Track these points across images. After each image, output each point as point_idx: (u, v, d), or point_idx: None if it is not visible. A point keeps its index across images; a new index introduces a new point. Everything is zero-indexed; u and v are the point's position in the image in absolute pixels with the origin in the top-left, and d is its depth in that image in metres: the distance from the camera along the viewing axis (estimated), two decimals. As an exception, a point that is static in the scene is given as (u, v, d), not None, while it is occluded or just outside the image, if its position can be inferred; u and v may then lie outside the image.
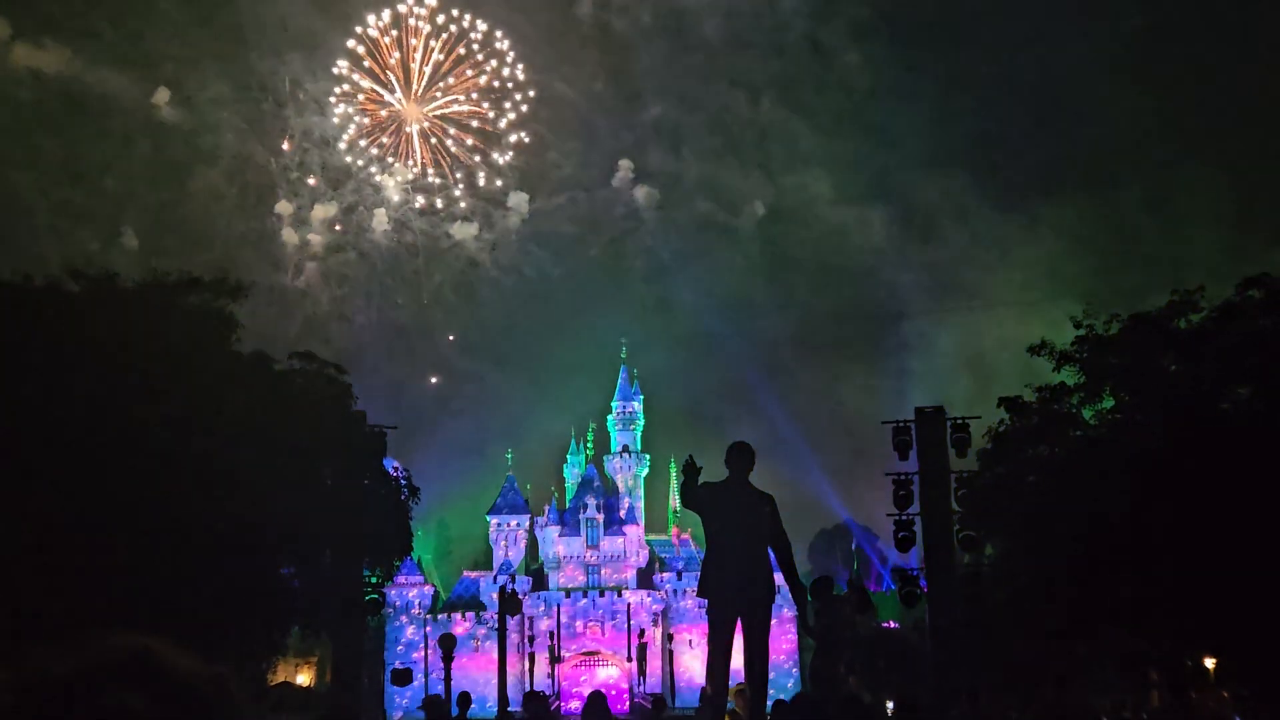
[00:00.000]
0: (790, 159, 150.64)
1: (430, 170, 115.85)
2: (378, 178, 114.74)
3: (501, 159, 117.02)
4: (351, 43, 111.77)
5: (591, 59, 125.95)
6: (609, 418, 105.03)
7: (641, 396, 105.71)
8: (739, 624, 10.73)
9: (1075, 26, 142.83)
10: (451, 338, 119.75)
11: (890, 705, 31.86)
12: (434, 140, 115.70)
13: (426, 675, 78.47)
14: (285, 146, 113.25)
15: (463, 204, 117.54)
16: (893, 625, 67.45)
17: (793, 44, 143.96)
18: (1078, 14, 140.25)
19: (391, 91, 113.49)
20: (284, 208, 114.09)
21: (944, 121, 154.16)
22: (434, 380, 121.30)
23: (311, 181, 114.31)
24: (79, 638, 1.01)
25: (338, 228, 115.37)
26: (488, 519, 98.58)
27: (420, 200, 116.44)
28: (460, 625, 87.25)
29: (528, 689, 67.88)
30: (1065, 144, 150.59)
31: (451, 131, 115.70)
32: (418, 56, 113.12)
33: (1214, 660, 30.63)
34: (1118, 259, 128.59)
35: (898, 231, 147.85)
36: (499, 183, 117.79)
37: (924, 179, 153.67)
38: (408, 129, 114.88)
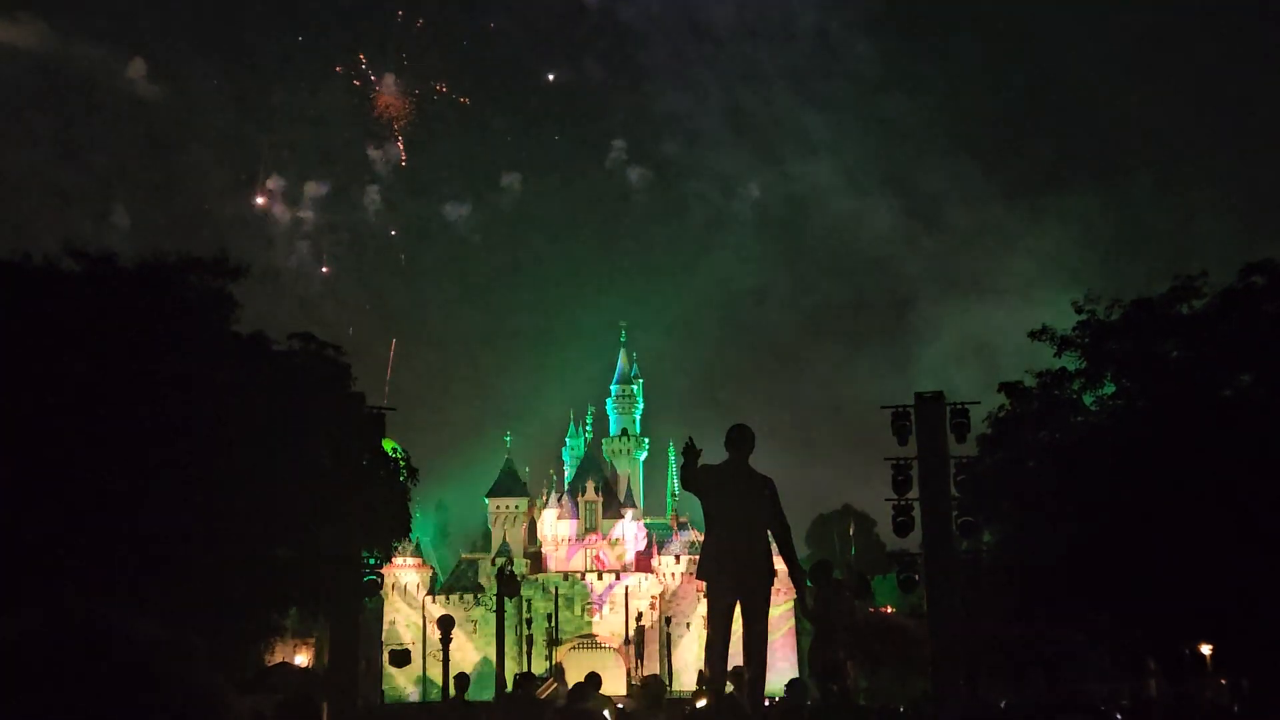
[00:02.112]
0: (798, 147, 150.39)
1: (402, 147, 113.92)
2: (370, 155, 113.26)
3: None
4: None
5: (599, 46, 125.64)
6: (608, 400, 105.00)
7: (641, 380, 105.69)
8: (738, 607, 10.68)
9: (1084, 18, 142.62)
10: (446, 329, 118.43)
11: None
12: (410, 120, 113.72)
13: (425, 657, 78.55)
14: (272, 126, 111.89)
15: (453, 184, 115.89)
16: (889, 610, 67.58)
17: (802, 34, 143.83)
18: (1087, 6, 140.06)
19: (376, 68, 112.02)
20: (273, 183, 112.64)
21: (952, 112, 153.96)
22: (429, 361, 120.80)
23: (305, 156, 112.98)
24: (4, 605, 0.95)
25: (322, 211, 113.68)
26: (486, 501, 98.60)
27: (402, 181, 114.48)
28: (458, 607, 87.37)
29: (524, 671, 67.77)
30: (1074, 135, 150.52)
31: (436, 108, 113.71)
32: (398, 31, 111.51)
33: (1211, 648, 30.64)
34: (1126, 248, 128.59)
35: (905, 220, 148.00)
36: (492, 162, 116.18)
37: (932, 168, 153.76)
38: (389, 106, 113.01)
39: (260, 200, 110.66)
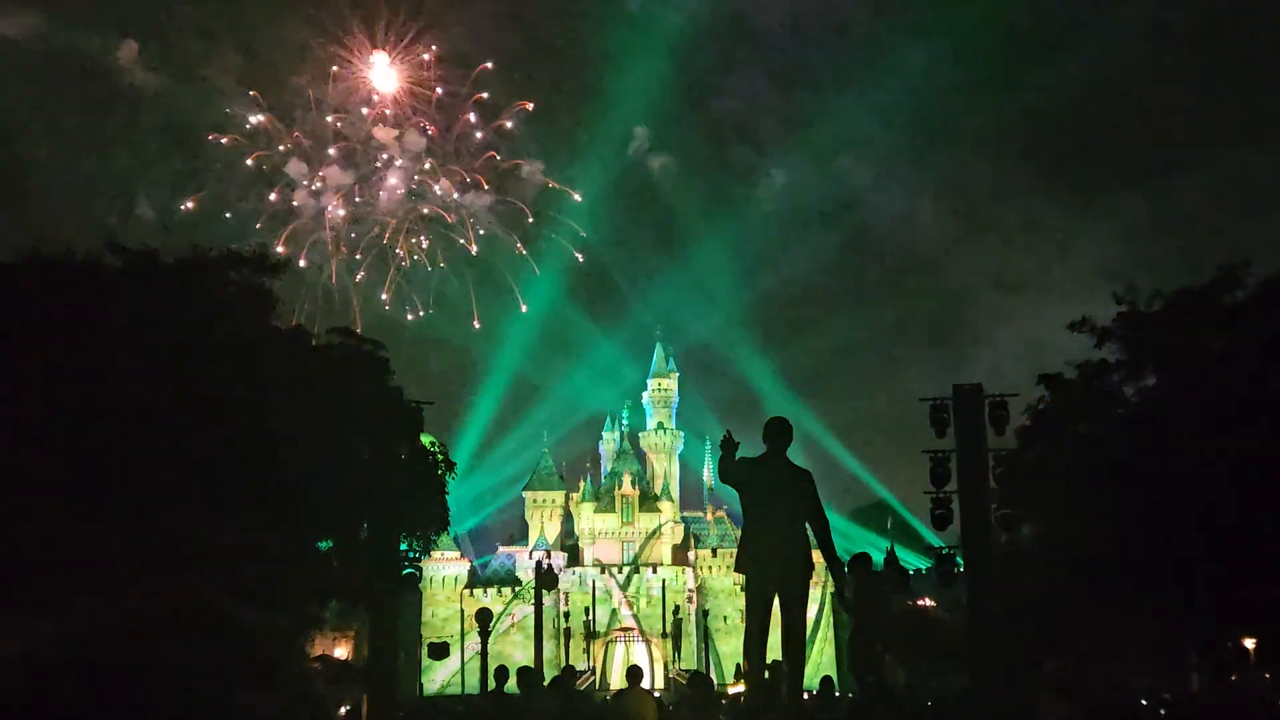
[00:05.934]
0: (848, 147, 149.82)
1: (422, 129, 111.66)
2: (382, 143, 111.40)
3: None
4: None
5: (645, 50, 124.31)
6: (644, 394, 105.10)
7: (677, 374, 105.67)
8: (776, 600, 10.71)
9: (1134, 18, 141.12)
10: (477, 324, 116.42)
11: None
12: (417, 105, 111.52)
13: (463, 649, 78.96)
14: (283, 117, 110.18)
15: (476, 174, 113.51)
16: (928, 603, 67.34)
17: (852, 35, 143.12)
18: (1138, 6, 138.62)
19: (367, 51, 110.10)
20: (296, 168, 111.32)
21: (1003, 112, 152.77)
22: (466, 354, 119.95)
23: (330, 150, 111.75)
24: (126, 588, 0.99)
25: (357, 199, 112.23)
26: (523, 495, 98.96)
27: (425, 168, 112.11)
28: (496, 600, 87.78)
29: (563, 664, 68.13)
30: (1126, 134, 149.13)
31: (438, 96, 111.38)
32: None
33: (1255, 642, 30.34)
34: (1179, 247, 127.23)
35: (955, 219, 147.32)
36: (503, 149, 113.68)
37: (982, 168, 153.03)
38: (386, 89, 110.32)
39: (282, 191, 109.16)
